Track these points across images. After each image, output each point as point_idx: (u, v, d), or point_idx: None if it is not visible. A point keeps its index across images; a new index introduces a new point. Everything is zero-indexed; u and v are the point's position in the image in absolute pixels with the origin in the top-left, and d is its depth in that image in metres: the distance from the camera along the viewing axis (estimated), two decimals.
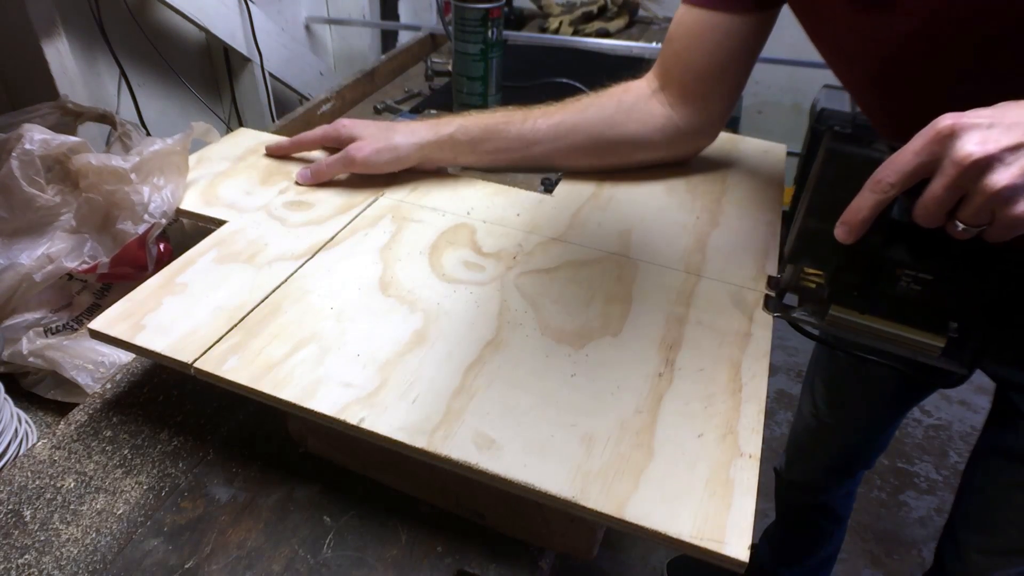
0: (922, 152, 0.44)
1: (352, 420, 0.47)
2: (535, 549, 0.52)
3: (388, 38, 1.97)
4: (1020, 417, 0.76)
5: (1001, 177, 0.41)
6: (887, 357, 0.60)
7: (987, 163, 0.41)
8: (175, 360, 0.52)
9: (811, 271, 0.58)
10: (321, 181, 0.75)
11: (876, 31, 0.59)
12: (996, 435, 0.82)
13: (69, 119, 0.82)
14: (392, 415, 0.48)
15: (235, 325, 0.55)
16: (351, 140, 0.75)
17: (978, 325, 0.54)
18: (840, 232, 0.50)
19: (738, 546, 0.40)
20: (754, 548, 1.30)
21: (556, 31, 1.67)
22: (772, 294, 0.61)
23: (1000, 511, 0.81)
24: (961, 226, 0.45)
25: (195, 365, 0.51)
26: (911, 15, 0.55)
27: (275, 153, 0.80)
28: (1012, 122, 0.42)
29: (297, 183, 0.75)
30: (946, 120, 0.43)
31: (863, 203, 0.48)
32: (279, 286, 0.59)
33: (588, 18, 1.70)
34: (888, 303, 0.55)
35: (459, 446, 0.46)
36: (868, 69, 0.63)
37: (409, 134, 0.74)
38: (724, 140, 0.85)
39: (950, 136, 0.43)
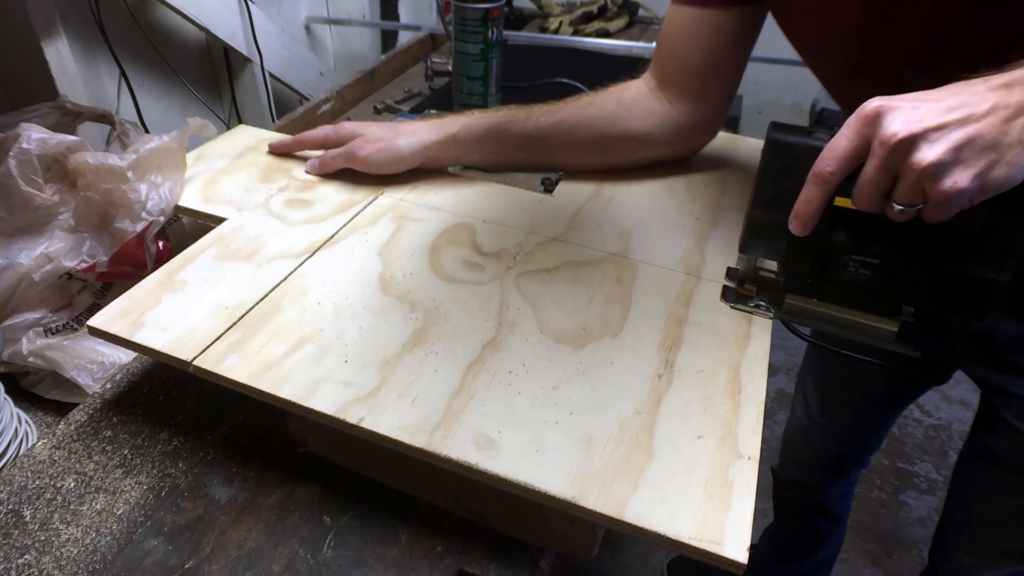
0: (854, 137, 0.46)
1: (351, 419, 0.47)
2: (535, 549, 0.52)
3: (388, 38, 1.96)
4: (1000, 421, 0.77)
5: (927, 155, 0.42)
6: (878, 356, 0.60)
7: (912, 142, 0.43)
8: (174, 358, 0.52)
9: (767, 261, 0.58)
10: (325, 172, 0.76)
11: (835, 16, 0.60)
12: (980, 438, 0.83)
13: (68, 119, 0.82)
14: (392, 414, 0.48)
15: (235, 323, 0.55)
16: (353, 139, 0.75)
17: (933, 309, 0.55)
18: (794, 226, 0.51)
19: (737, 547, 0.40)
20: (753, 548, 1.30)
21: (556, 31, 1.67)
22: (732, 285, 0.62)
23: (985, 513, 0.82)
24: (898, 207, 0.46)
25: (194, 363, 0.51)
26: None
27: (277, 151, 0.80)
28: (936, 103, 0.43)
29: (306, 171, 0.76)
30: (873, 103, 0.45)
31: (811, 195, 0.49)
32: (279, 284, 0.59)
33: (588, 18, 1.70)
34: (840, 289, 0.56)
35: (458, 446, 0.46)
36: (839, 61, 0.64)
37: (411, 135, 0.74)
38: (724, 140, 0.85)
39: (877, 118, 0.44)
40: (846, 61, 0.63)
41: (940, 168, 0.42)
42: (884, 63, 0.60)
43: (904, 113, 0.43)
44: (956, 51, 0.54)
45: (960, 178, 0.42)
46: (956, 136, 0.42)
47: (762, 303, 0.60)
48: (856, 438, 1.06)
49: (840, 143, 0.46)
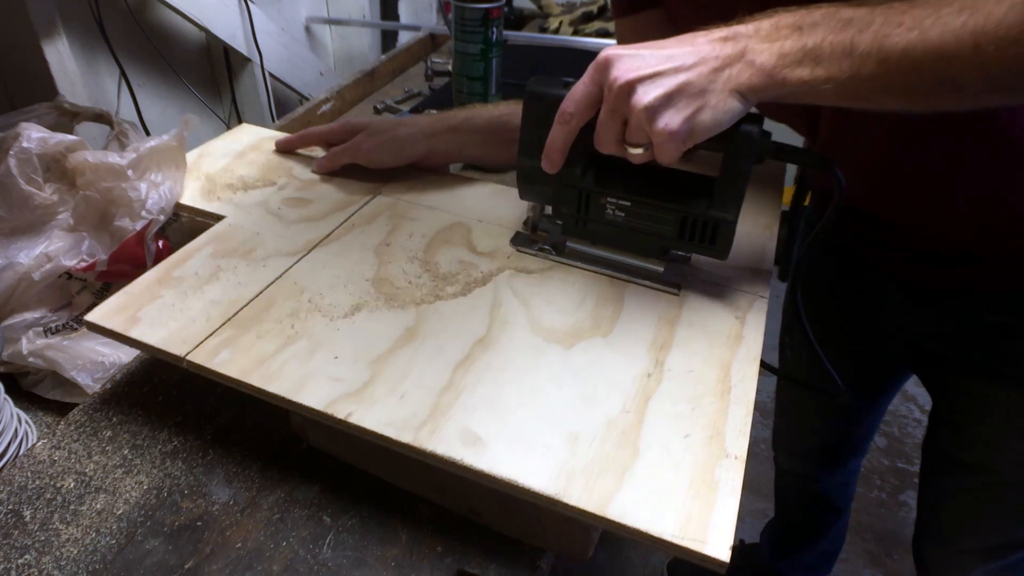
0: (589, 82, 0.50)
1: (340, 415, 0.48)
2: (535, 549, 0.52)
3: (388, 38, 1.96)
4: (946, 420, 0.78)
5: (642, 98, 0.47)
6: (802, 379, 0.61)
7: (631, 87, 0.47)
8: (168, 353, 0.52)
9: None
10: (330, 169, 0.77)
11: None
12: (933, 438, 0.84)
13: (66, 119, 0.83)
14: (380, 410, 0.48)
15: (228, 319, 0.55)
16: (357, 134, 0.76)
17: (680, 248, 0.60)
18: (544, 164, 0.55)
19: (719, 546, 0.40)
20: (754, 545, 1.30)
21: (556, 31, 1.67)
22: (525, 232, 0.66)
23: (946, 513, 0.84)
24: (630, 149, 0.50)
25: (187, 358, 0.52)
26: None
27: (283, 148, 0.81)
28: (657, 51, 0.48)
29: (313, 171, 0.77)
30: (604, 52, 0.49)
31: (555, 135, 0.53)
32: (273, 281, 0.60)
33: (588, 18, 1.70)
34: (607, 231, 0.61)
35: (444, 442, 0.46)
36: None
37: (414, 127, 0.75)
38: None
39: (606, 65, 0.49)
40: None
41: (654, 111, 0.47)
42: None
43: (627, 61, 0.48)
44: None
45: (672, 120, 0.47)
46: (668, 83, 0.47)
47: (545, 246, 0.64)
48: (838, 429, 1.06)
49: (578, 88, 0.51)
